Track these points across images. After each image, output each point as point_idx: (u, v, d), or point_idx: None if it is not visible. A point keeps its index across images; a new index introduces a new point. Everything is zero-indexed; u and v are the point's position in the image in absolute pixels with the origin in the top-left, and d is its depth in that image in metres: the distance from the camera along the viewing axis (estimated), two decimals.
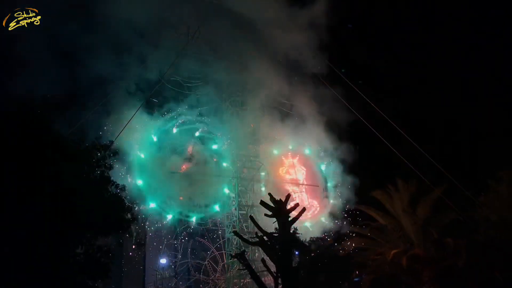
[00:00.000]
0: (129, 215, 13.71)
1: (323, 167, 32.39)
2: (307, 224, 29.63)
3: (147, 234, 27.36)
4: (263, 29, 28.21)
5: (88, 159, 13.45)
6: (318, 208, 31.04)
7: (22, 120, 12.24)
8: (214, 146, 28.63)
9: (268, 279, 23.54)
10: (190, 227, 27.45)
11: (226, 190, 28.17)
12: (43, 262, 11.55)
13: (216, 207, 27.70)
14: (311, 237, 23.80)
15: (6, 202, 11.21)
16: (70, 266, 12.42)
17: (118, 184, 13.95)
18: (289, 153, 30.91)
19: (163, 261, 27.25)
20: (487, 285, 21.40)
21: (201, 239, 28.39)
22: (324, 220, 31.15)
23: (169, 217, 25.91)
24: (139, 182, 25.42)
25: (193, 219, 26.74)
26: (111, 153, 14.29)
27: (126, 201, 13.78)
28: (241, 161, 29.29)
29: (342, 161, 31.31)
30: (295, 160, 30.92)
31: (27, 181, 11.47)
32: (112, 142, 15.77)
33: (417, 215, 23.78)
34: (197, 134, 27.91)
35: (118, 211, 13.51)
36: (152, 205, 25.22)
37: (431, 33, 41.74)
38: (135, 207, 14.01)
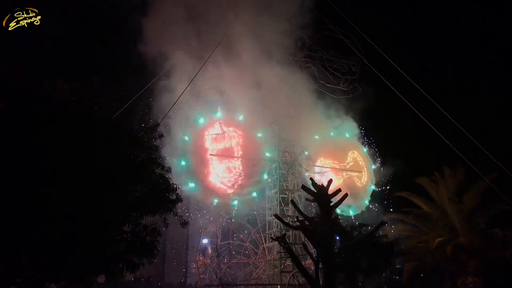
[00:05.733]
0: (174, 196, 13.97)
1: (365, 149, 32.06)
2: (350, 210, 29.48)
3: (190, 215, 27.98)
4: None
5: (135, 140, 13.76)
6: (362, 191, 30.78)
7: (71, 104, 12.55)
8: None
9: (308, 263, 23.71)
10: (233, 210, 27.82)
11: (265, 176, 28.25)
12: (92, 239, 12.01)
13: (254, 194, 27.79)
14: (353, 222, 23.66)
15: (56, 183, 11.60)
16: (117, 244, 12.85)
17: (164, 165, 14.24)
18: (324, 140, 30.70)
19: (204, 241, 27.85)
20: None
21: (242, 221, 28.77)
22: (366, 205, 30.89)
23: (216, 200, 26.29)
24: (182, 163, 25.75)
25: (235, 202, 27.02)
26: (157, 135, 14.54)
27: (172, 182, 14.01)
28: (282, 145, 29.29)
29: (386, 147, 30.83)
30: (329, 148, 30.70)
31: (76, 163, 11.83)
32: (158, 124, 16.04)
33: (464, 204, 23.17)
34: (240, 118, 27.97)
35: (164, 191, 13.80)
36: (191, 185, 25.46)
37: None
38: (179, 188, 14.19)
